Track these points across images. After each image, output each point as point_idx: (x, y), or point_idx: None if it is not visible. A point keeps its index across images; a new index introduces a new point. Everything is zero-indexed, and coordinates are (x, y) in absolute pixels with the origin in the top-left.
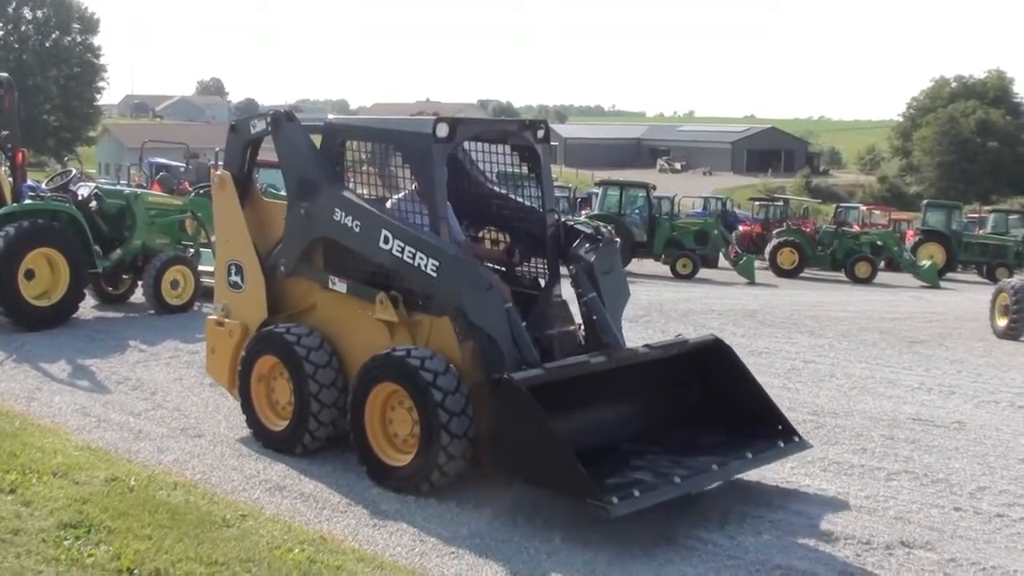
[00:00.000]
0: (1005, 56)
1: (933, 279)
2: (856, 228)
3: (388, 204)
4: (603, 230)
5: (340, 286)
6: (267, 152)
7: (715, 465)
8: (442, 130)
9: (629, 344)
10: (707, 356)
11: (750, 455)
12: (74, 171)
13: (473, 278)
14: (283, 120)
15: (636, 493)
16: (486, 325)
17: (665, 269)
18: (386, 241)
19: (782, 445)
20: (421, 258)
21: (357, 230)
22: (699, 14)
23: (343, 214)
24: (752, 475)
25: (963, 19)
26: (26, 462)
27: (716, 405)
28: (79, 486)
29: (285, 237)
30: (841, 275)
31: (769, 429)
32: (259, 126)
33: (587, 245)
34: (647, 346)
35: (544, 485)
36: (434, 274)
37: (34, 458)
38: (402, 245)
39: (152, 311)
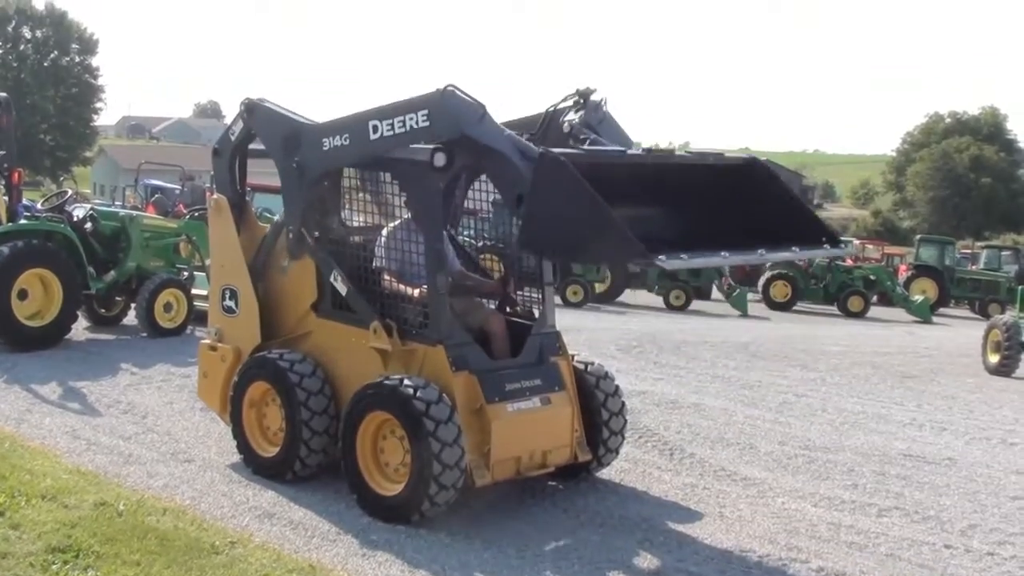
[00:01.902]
0: (999, 93)
1: (926, 314)
2: (849, 262)
3: (384, 231)
4: (580, 89)
5: (341, 287)
6: (263, 176)
7: (762, 250)
8: (439, 159)
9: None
10: (744, 178)
11: (796, 249)
12: (70, 191)
13: (464, 106)
14: (255, 103)
15: (684, 256)
16: (493, 144)
17: (658, 300)
18: (375, 130)
19: (828, 247)
20: (411, 118)
21: (348, 142)
22: (695, 46)
23: (331, 138)
24: (743, 508)
25: (958, 56)
26: (15, 484)
27: (756, 223)
28: (68, 510)
29: (286, 204)
30: (834, 309)
31: (813, 239)
32: (237, 126)
33: (573, 111)
34: (684, 151)
35: (586, 257)
36: (427, 122)
37: (23, 480)
38: (390, 121)
39: (145, 334)
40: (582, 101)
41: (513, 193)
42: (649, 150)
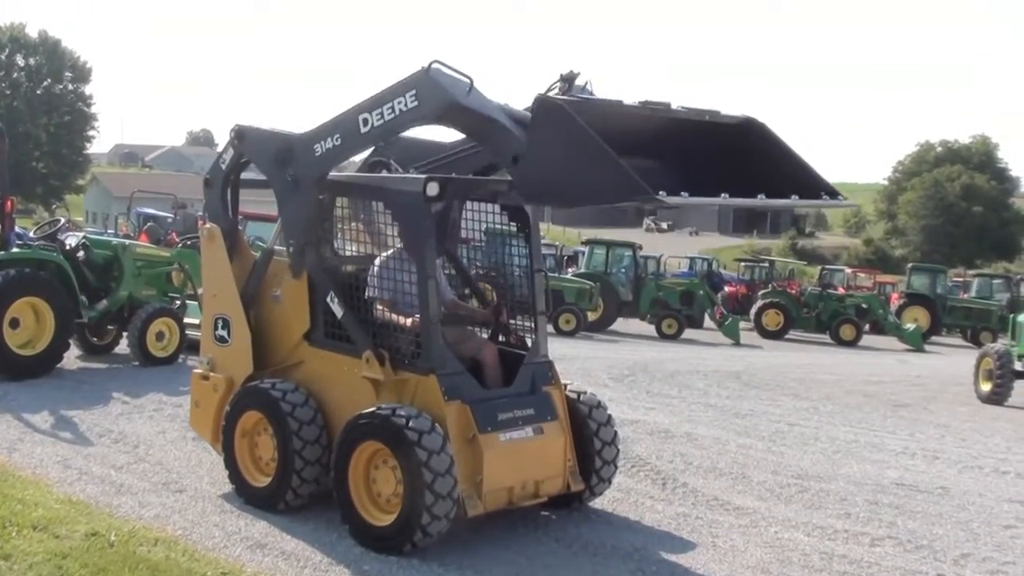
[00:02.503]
0: (990, 121)
1: (918, 343)
2: (841, 290)
3: (377, 261)
4: (564, 74)
5: (337, 309)
6: (256, 205)
7: (762, 195)
8: (432, 189)
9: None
10: (742, 136)
11: (796, 197)
12: (62, 220)
13: (451, 79)
14: (244, 128)
15: (684, 194)
16: (485, 111)
17: (650, 329)
18: (365, 123)
19: (827, 199)
20: (399, 102)
21: (340, 141)
22: (686, 76)
23: (322, 142)
24: (735, 537)
25: (949, 84)
26: (6, 514)
27: (755, 176)
28: (59, 540)
29: (284, 221)
30: (826, 337)
31: (812, 193)
32: (227, 154)
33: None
34: (680, 106)
35: (585, 197)
36: (416, 102)
37: (14, 510)
38: (380, 112)
39: (137, 363)
40: (567, 85)
41: (509, 155)
42: (645, 102)
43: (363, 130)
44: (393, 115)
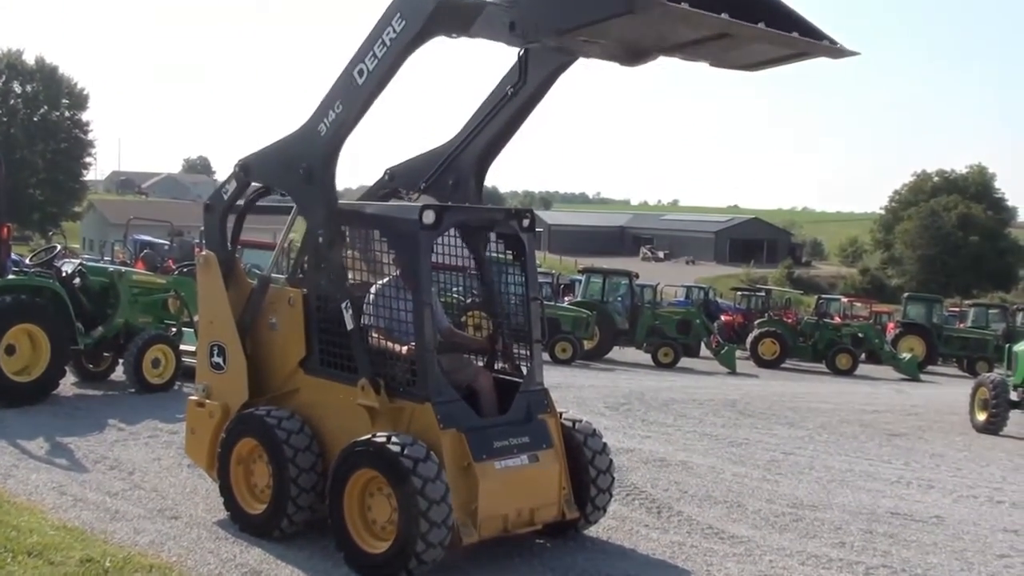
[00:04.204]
0: (986, 152)
1: (914, 372)
2: (837, 320)
3: (373, 289)
4: None
5: (348, 321)
6: (252, 232)
7: (762, 24)
8: (428, 217)
9: None
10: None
11: (796, 34)
12: (58, 247)
13: None
14: (246, 160)
15: (684, 4)
16: None
17: (647, 357)
18: (361, 74)
19: (828, 43)
20: (388, 33)
21: (342, 108)
22: (685, 103)
23: (324, 120)
24: (730, 566)
25: (945, 115)
26: (1, 541)
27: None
28: (54, 566)
29: (308, 216)
30: (822, 366)
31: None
32: (230, 185)
33: None
34: None
35: (585, 12)
36: (403, 21)
37: (9, 537)
38: (370, 52)
39: (132, 389)
40: None
41: (506, 23)
42: None
43: (360, 82)
44: (385, 48)
